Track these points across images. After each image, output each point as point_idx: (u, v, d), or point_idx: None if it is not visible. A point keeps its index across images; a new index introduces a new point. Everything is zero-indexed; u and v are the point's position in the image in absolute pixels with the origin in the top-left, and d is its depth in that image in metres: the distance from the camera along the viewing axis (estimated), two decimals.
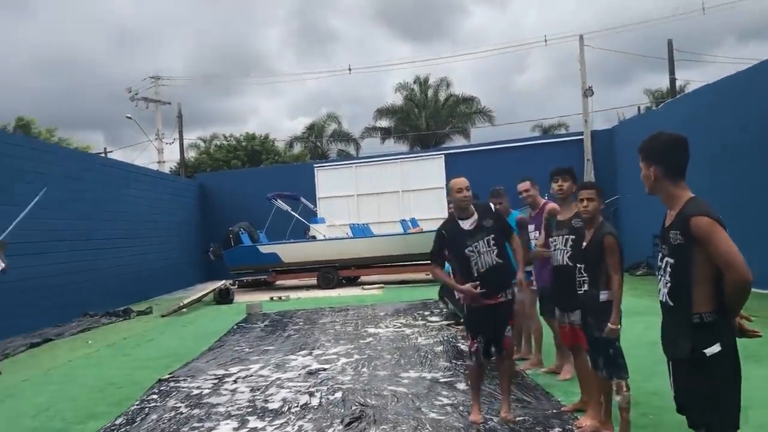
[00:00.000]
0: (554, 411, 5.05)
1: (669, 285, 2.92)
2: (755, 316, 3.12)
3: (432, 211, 19.64)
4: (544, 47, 34.35)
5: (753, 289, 2.80)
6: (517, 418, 4.89)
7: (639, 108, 29.78)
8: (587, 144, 20.22)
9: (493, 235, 4.84)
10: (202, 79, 62.94)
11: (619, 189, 18.70)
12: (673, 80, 25.04)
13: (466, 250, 4.78)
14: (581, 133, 20.72)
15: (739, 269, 2.67)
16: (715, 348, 2.75)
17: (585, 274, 4.26)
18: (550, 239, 5.01)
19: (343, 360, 7.67)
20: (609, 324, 4.06)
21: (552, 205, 5.88)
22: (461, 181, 4.94)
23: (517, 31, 65.15)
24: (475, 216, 4.90)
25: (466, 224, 4.87)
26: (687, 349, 2.82)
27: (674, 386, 2.96)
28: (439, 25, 69.04)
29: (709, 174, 12.48)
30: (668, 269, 2.93)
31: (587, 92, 20.44)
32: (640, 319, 8.26)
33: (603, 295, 4.12)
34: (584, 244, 4.34)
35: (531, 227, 6.09)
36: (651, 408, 4.88)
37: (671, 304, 2.91)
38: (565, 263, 4.76)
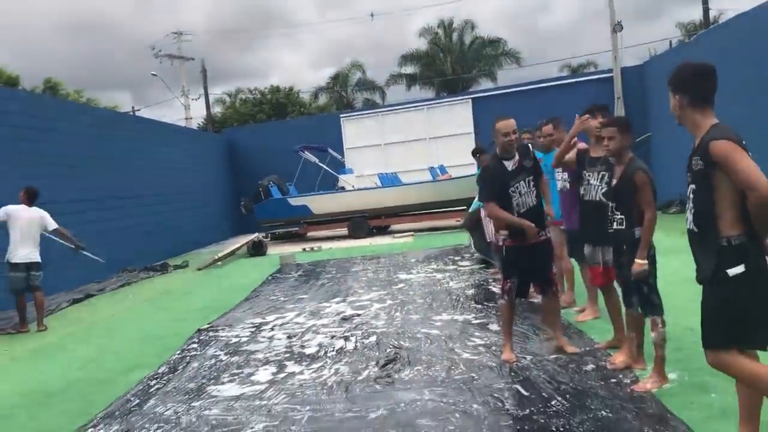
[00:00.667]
0: (587, 348, 5.08)
1: (693, 211, 2.92)
2: None
3: (461, 157, 19.42)
4: None
5: None
6: (552, 356, 4.94)
7: (671, 42, 28.83)
8: (617, 82, 19.72)
9: (532, 177, 4.95)
10: (224, 33, 62.48)
11: (651, 126, 18.29)
12: (706, 10, 24.14)
13: (509, 190, 4.86)
14: (611, 71, 20.18)
15: (760, 187, 2.63)
16: (740, 268, 2.74)
17: (618, 212, 4.21)
18: (585, 173, 4.95)
19: (377, 306, 7.79)
20: (636, 259, 4.04)
21: (581, 144, 5.78)
22: (509, 124, 4.93)
23: None
24: (517, 156, 4.94)
25: (510, 164, 4.93)
26: (709, 270, 2.82)
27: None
28: None
29: (747, 107, 12.11)
30: (691, 196, 2.93)
31: (616, 27, 19.80)
32: (675, 257, 8.15)
33: (637, 232, 4.08)
34: (614, 181, 4.28)
35: (558, 170, 6.00)
36: (685, 343, 4.88)
37: (696, 230, 2.90)
38: (599, 199, 4.73)
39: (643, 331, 4.40)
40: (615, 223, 4.23)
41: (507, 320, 5.12)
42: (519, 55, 34.25)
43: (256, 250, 15.68)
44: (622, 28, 19.82)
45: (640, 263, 4.03)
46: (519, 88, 21.40)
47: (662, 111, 17.39)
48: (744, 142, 2.79)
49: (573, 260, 6.43)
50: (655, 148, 18.00)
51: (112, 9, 71.89)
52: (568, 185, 5.83)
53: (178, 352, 6.47)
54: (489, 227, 8.92)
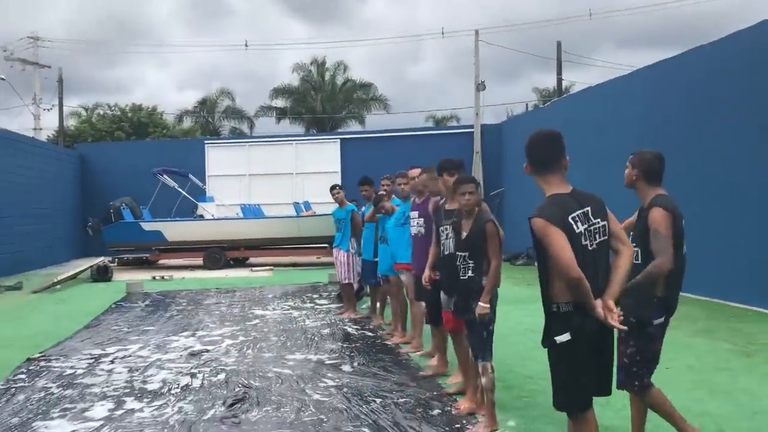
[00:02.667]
0: (435, 393, 5.22)
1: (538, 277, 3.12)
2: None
3: (327, 194, 19.45)
4: (439, 39, 35.04)
5: None
6: (399, 400, 5.02)
7: (527, 105, 31.07)
8: (477, 137, 20.85)
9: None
10: (85, 44, 59.08)
11: (505, 182, 19.48)
12: (559, 80, 26.31)
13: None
14: (472, 126, 21.35)
15: (562, 269, 2.85)
16: (566, 336, 2.93)
17: (470, 262, 4.41)
18: (441, 228, 5.12)
19: (228, 341, 7.55)
20: (480, 302, 4.24)
21: (436, 199, 6.02)
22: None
23: (412, 21, 65.78)
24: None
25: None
26: (543, 335, 3.04)
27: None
28: (336, 6, 68.51)
29: (587, 172, 13.24)
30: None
31: (480, 86, 21.05)
32: (520, 307, 8.70)
33: (484, 280, 4.31)
34: (464, 234, 4.48)
35: (414, 214, 6.18)
36: (525, 391, 5.16)
37: (540, 294, 3.11)
38: (455, 251, 4.91)
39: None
40: (469, 271, 4.41)
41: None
42: (388, 101, 35.42)
43: (101, 275, 14.70)
44: (485, 87, 21.11)
45: (483, 306, 4.24)
46: (386, 134, 22.07)
47: (516, 168, 18.60)
48: (575, 215, 2.95)
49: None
50: (507, 203, 19.14)
51: None
52: (423, 230, 6.01)
53: (2, 382, 5.88)
54: (341, 269, 8.99)
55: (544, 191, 3.13)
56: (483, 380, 4.37)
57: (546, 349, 3.08)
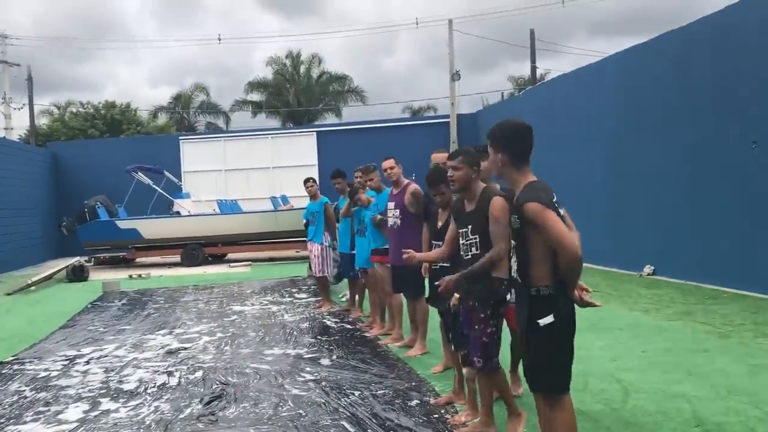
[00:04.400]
0: (413, 384, 5.21)
1: (516, 264, 3.13)
2: (597, 291, 3.39)
3: (303, 188, 19.46)
4: (413, 29, 34.95)
5: (595, 266, 3.04)
6: (378, 392, 5.01)
7: (503, 94, 31.14)
8: (453, 127, 20.89)
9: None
10: (55, 41, 57.96)
11: None
12: (534, 68, 26.40)
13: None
14: (448, 116, 21.37)
15: (568, 249, 2.88)
16: (549, 319, 2.96)
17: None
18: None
19: (206, 338, 7.49)
20: (446, 278, 3.88)
21: (415, 186, 6.02)
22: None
23: (385, 11, 65.57)
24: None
25: None
26: (523, 319, 3.05)
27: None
28: None
29: (562, 155, 13.32)
30: (513, 250, 3.14)
31: (455, 76, 21.07)
32: None
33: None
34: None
35: (391, 205, 6.17)
36: None
37: (519, 280, 3.11)
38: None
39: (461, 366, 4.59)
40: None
41: None
42: (364, 93, 35.29)
43: (77, 275, 14.49)
44: (459, 77, 21.16)
45: (447, 281, 3.84)
46: (363, 126, 22.01)
47: None
48: (554, 200, 3.01)
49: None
50: None
51: None
52: (399, 222, 6.00)
53: None
54: (316, 262, 8.94)
55: (514, 183, 3.14)
56: (465, 369, 4.36)
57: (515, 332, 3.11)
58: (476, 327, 3.85)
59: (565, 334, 3.01)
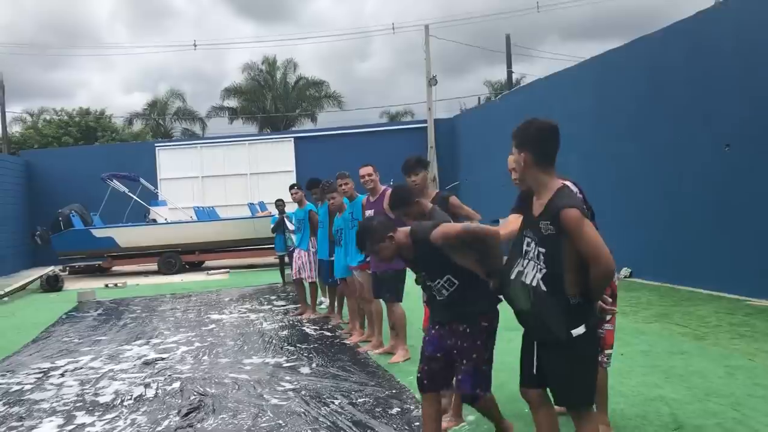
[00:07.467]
0: (394, 391, 5.18)
1: (544, 272, 2.89)
2: None
3: (281, 194, 19.33)
4: (390, 35, 34.99)
5: None
6: (358, 400, 4.97)
7: (479, 98, 31.31)
8: (431, 132, 20.93)
9: None
10: (25, 47, 56.93)
11: (459, 175, 19.59)
12: (510, 73, 26.60)
13: None
14: (425, 121, 21.42)
15: (605, 261, 2.81)
16: (581, 329, 2.87)
17: None
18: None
19: (183, 348, 7.38)
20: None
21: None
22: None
23: (361, 16, 65.49)
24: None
25: None
26: (561, 330, 2.88)
27: (537, 365, 3.03)
28: (282, 4, 67.61)
29: None
30: (541, 257, 2.91)
31: (431, 81, 21.10)
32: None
33: None
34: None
35: (369, 212, 6.16)
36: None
37: (544, 289, 2.89)
38: None
39: None
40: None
41: None
42: (341, 98, 35.23)
43: (51, 285, 14.26)
44: (436, 82, 21.16)
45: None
46: (341, 131, 21.99)
47: (470, 161, 18.73)
48: (585, 207, 2.94)
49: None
50: (461, 196, 19.22)
51: None
52: None
53: None
54: (306, 268, 8.92)
55: (539, 185, 2.99)
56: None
57: (545, 346, 2.99)
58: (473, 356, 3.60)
59: (596, 344, 2.99)
